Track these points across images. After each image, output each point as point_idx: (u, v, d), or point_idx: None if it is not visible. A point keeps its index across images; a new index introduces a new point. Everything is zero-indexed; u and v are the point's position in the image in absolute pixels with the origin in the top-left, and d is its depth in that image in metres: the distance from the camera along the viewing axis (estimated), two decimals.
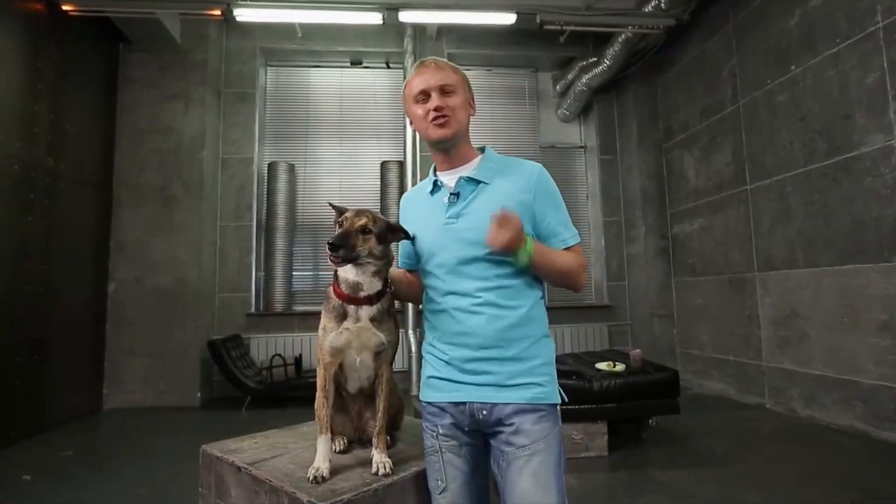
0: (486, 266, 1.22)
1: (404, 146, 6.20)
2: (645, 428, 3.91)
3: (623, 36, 5.65)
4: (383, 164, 6.39)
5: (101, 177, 5.38)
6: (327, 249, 1.19)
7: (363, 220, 1.25)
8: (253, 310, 6.10)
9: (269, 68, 6.74)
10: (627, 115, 6.62)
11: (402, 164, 6.26)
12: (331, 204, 1.41)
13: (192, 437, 4.44)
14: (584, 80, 6.21)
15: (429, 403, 1.30)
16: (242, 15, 5.09)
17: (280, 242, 6.16)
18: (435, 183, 1.35)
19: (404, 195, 1.51)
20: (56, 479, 3.26)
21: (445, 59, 1.34)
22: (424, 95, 1.28)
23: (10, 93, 4.13)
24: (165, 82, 5.74)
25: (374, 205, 6.31)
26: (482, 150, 1.36)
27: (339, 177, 6.59)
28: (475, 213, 1.25)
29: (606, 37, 5.91)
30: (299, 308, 6.24)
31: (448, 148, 1.31)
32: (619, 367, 3.84)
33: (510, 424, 1.18)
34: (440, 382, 1.27)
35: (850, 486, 2.94)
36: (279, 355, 5.42)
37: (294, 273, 6.32)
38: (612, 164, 6.77)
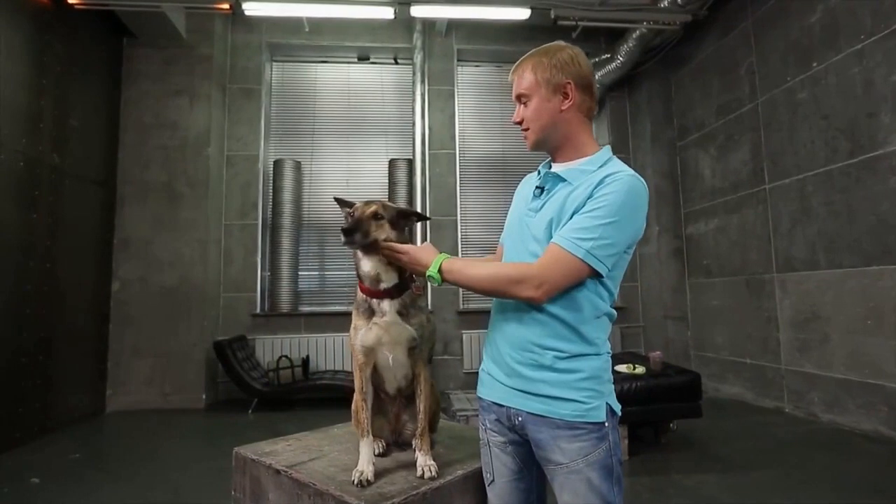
0: None
1: (413, 144, 6.10)
2: (665, 432, 3.82)
3: (637, 32, 5.56)
4: (391, 162, 6.28)
5: (105, 173, 5.28)
6: (341, 237, 1.19)
7: (373, 207, 1.26)
8: (258, 310, 5.99)
9: (274, 63, 6.62)
10: (640, 113, 6.52)
11: (411, 162, 6.16)
12: (336, 199, 1.40)
13: (201, 439, 4.37)
14: (596, 76, 6.09)
15: (479, 398, 1.29)
16: (251, 9, 4.98)
17: (286, 242, 6.05)
18: (539, 170, 1.30)
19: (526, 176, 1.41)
20: (65, 483, 3.21)
21: (531, 54, 1.21)
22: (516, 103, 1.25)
23: (16, 87, 4.03)
24: (170, 77, 5.63)
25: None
26: (603, 146, 1.25)
27: (347, 175, 6.47)
28: (547, 211, 1.17)
29: (619, 33, 5.83)
30: (305, 309, 6.13)
31: (545, 150, 1.25)
32: (640, 369, 3.75)
33: (545, 440, 1.12)
34: (487, 378, 1.26)
35: (880, 492, 2.87)
36: (286, 357, 5.31)
37: (300, 273, 6.20)
38: (624, 162, 6.62)
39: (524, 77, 1.19)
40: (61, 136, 4.55)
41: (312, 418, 4.80)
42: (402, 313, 1.29)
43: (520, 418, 1.16)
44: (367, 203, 1.29)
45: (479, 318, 5.99)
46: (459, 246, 6.22)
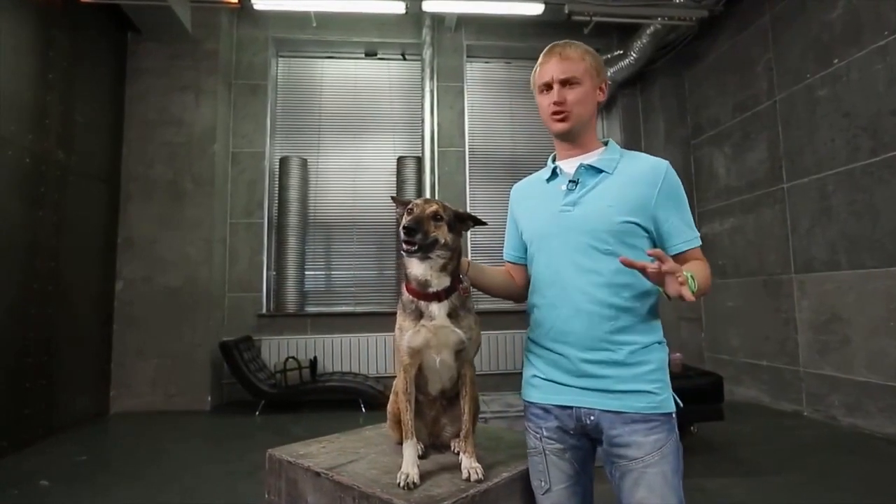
0: (600, 259, 1.16)
1: (422, 141, 6.01)
2: (686, 434, 3.74)
3: (651, 28, 5.47)
4: (400, 160, 6.18)
5: (109, 170, 5.18)
6: (402, 235, 1.12)
7: (434, 207, 1.20)
8: (264, 310, 5.89)
9: (280, 59, 6.52)
10: (653, 111, 6.42)
11: (419, 160, 6.07)
12: (393, 198, 1.37)
13: (208, 441, 4.28)
14: (608, 73, 6.01)
15: (531, 404, 1.27)
16: (260, 3, 4.87)
17: (292, 240, 5.95)
18: (554, 170, 1.31)
19: (515, 185, 1.44)
20: (74, 485, 3.14)
21: (576, 43, 1.27)
22: (547, 87, 1.26)
23: (23, 83, 3.94)
24: (175, 73, 5.53)
25: (388, 202, 6.10)
26: (606, 142, 1.31)
27: (354, 173, 6.36)
28: (594, 201, 1.20)
29: (632, 29, 5.74)
30: (312, 309, 6.03)
31: (570, 139, 1.28)
32: None
33: (620, 435, 1.13)
34: (544, 383, 1.24)
35: None
36: (293, 358, 5.22)
37: (306, 272, 6.11)
38: None
39: (575, 61, 1.22)
40: (67, 132, 4.45)
41: (321, 420, 4.71)
42: (452, 316, 1.22)
43: (591, 417, 1.16)
44: (427, 201, 1.23)
45: (487, 319, 5.86)
46: (469, 246, 6.12)
